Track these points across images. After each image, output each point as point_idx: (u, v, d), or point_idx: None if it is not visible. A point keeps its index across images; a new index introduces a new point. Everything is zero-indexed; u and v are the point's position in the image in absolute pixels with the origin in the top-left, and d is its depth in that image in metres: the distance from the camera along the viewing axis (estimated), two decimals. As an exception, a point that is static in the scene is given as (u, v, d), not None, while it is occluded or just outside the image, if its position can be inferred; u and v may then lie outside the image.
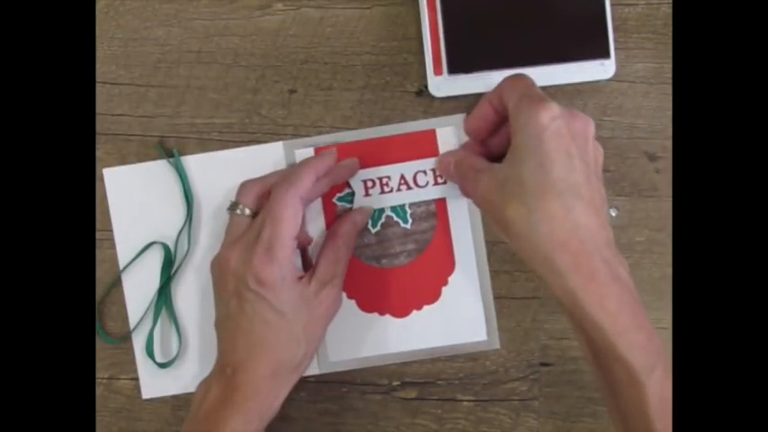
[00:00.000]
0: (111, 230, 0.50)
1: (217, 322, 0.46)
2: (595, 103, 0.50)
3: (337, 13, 0.50)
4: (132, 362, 0.50)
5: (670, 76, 0.50)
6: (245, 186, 0.47)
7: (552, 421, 0.50)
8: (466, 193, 0.47)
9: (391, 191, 0.49)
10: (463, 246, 0.50)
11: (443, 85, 0.49)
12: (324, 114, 0.50)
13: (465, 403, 0.50)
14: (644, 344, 0.39)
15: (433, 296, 0.50)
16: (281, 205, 0.44)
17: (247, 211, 0.46)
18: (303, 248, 0.49)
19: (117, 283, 0.50)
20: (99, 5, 0.50)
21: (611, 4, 0.49)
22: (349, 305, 0.50)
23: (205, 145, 0.50)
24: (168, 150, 0.50)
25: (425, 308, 0.50)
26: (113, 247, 0.50)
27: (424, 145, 0.49)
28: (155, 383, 0.50)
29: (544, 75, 0.48)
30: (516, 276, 0.50)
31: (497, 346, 0.50)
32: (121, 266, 0.50)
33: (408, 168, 0.49)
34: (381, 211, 0.50)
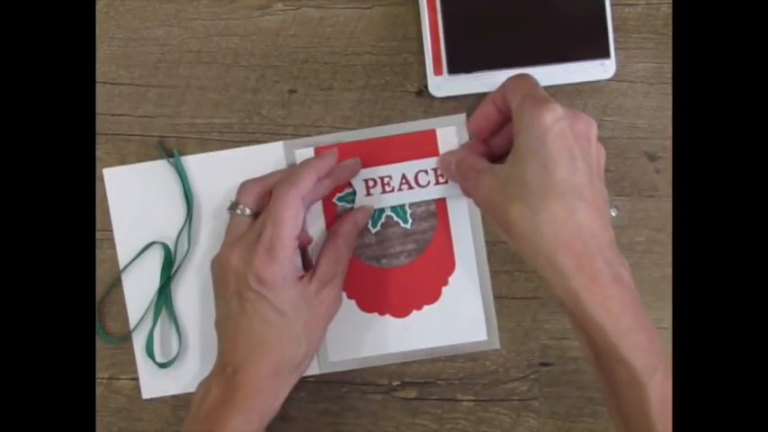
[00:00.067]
0: (111, 230, 0.50)
1: (217, 322, 0.46)
2: (595, 103, 0.50)
3: (337, 13, 0.50)
4: (132, 362, 0.50)
5: (670, 76, 0.50)
6: (245, 186, 0.47)
7: (552, 421, 0.50)
8: (467, 193, 0.47)
9: (393, 190, 0.49)
10: (463, 246, 0.50)
11: (443, 85, 0.49)
12: (324, 114, 0.50)
13: (465, 403, 0.50)
14: (645, 345, 0.39)
15: (433, 296, 0.50)
16: (282, 205, 0.44)
17: (248, 211, 0.46)
18: (303, 248, 0.49)
19: (117, 283, 0.50)
20: (99, 5, 0.50)
21: (611, 4, 0.49)
22: (349, 305, 0.50)
23: (205, 145, 0.50)
24: (168, 150, 0.50)
25: (425, 308, 0.50)
26: (113, 247, 0.50)
27: (424, 145, 0.49)
28: (155, 383, 0.50)
29: (544, 75, 0.48)
30: (516, 276, 0.50)
31: (497, 346, 0.50)
32: (121, 266, 0.50)
33: (410, 168, 0.49)
34: (381, 210, 0.50)
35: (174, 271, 0.50)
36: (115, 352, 0.50)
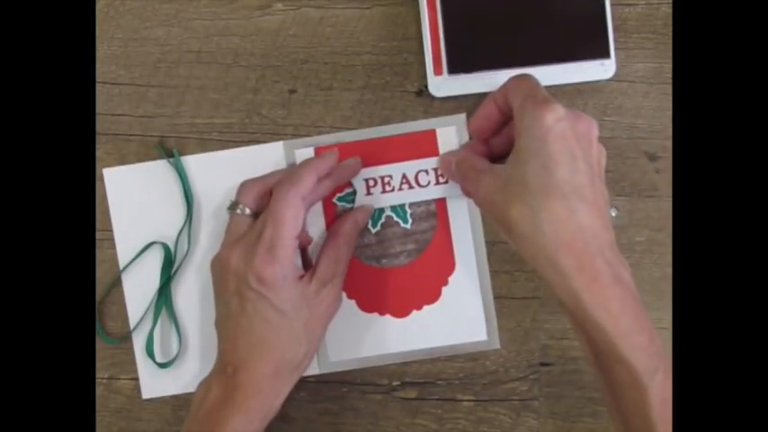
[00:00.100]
0: (111, 230, 0.50)
1: (217, 321, 0.46)
2: (595, 103, 0.50)
3: (337, 13, 0.50)
4: (132, 362, 0.50)
5: (670, 76, 0.50)
6: (245, 186, 0.47)
7: (552, 421, 0.50)
8: (467, 194, 0.47)
9: (393, 190, 0.49)
10: (463, 246, 0.50)
11: (443, 85, 0.49)
12: (324, 114, 0.50)
13: (465, 403, 0.50)
14: (646, 346, 0.39)
15: (433, 296, 0.50)
16: (282, 205, 0.44)
17: (247, 211, 0.46)
18: (303, 248, 0.49)
19: (117, 283, 0.50)
20: (99, 5, 0.50)
21: (611, 4, 0.49)
22: (349, 305, 0.50)
23: (205, 145, 0.50)
24: (168, 150, 0.50)
25: (425, 308, 0.50)
26: (113, 247, 0.50)
27: (424, 145, 0.49)
28: (155, 383, 0.50)
29: (544, 75, 0.48)
30: (516, 276, 0.50)
31: (497, 346, 0.50)
32: (121, 266, 0.50)
33: (410, 167, 0.49)
34: (381, 210, 0.50)
35: (174, 271, 0.50)
36: (115, 352, 0.50)
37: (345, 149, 0.49)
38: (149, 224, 0.50)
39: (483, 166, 0.44)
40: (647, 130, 0.50)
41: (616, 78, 0.49)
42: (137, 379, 0.50)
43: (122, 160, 0.50)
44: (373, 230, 0.50)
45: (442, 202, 0.50)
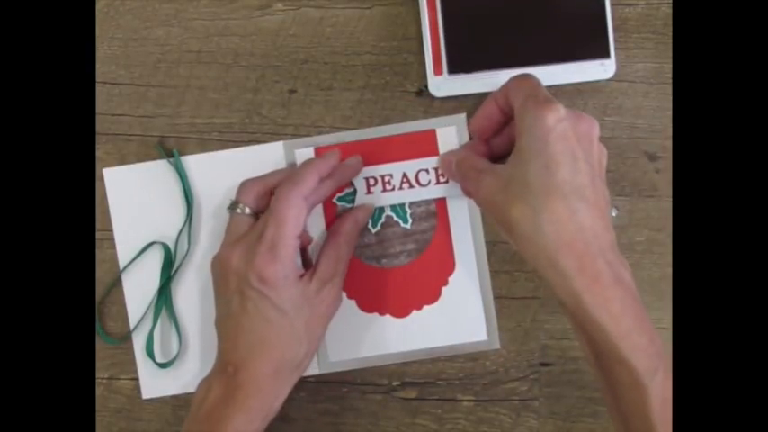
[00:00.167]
0: (111, 230, 0.50)
1: (217, 321, 0.46)
2: (595, 103, 0.50)
3: (337, 13, 0.50)
4: (132, 362, 0.50)
5: (670, 76, 0.50)
6: (245, 185, 0.47)
7: (552, 421, 0.50)
8: (467, 193, 0.47)
9: (393, 189, 0.49)
10: (463, 246, 0.50)
11: (443, 85, 0.49)
12: (324, 114, 0.50)
13: (465, 403, 0.50)
14: (646, 346, 0.39)
15: (433, 296, 0.50)
16: (285, 205, 0.44)
17: (247, 210, 0.46)
18: (304, 248, 0.49)
19: (117, 283, 0.50)
20: (99, 5, 0.50)
21: (611, 4, 0.49)
22: (349, 305, 0.50)
23: (205, 145, 0.50)
24: (168, 150, 0.50)
25: (425, 308, 0.50)
26: (113, 247, 0.50)
27: (424, 145, 0.49)
28: (155, 383, 0.50)
29: (544, 75, 0.48)
30: (516, 276, 0.50)
31: (497, 346, 0.50)
32: (121, 266, 0.50)
33: (411, 167, 0.49)
34: (381, 210, 0.50)
35: (174, 271, 0.50)
36: (115, 352, 0.50)
37: (345, 149, 0.49)
38: (149, 224, 0.50)
39: (484, 166, 0.44)
40: (647, 130, 0.50)
41: (616, 78, 0.49)
42: (137, 379, 0.50)
43: (122, 160, 0.50)
44: (373, 230, 0.50)
45: (442, 202, 0.50)
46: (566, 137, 0.39)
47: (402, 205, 0.50)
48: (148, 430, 0.50)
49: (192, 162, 0.50)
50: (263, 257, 0.43)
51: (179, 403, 0.50)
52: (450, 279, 0.50)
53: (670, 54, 0.50)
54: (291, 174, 0.46)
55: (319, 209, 0.49)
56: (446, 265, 0.50)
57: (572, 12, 0.49)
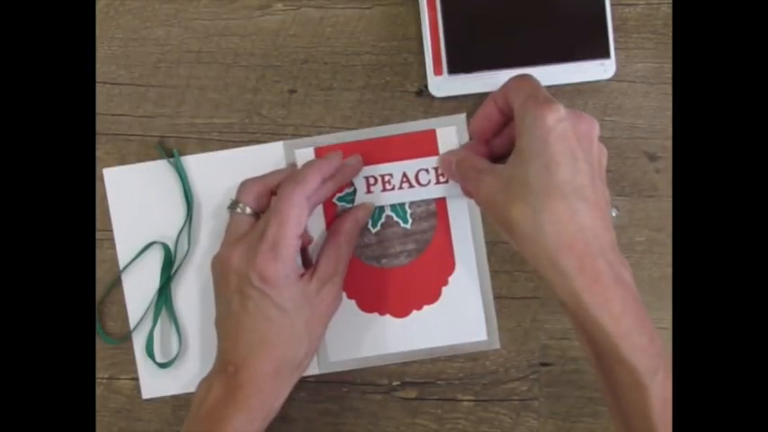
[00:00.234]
0: (111, 230, 0.50)
1: (217, 320, 0.46)
2: (595, 103, 0.50)
3: (337, 13, 0.50)
4: (132, 362, 0.50)
5: (670, 76, 0.50)
6: (245, 185, 0.47)
7: (552, 421, 0.50)
8: (467, 193, 0.47)
9: (393, 188, 0.49)
10: (463, 246, 0.50)
11: (443, 85, 0.49)
12: (324, 114, 0.50)
13: (465, 403, 0.50)
14: (646, 346, 0.39)
15: (433, 296, 0.50)
16: (287, 204, 0.44)
17: (248, 210, 0.46)
18: (304, 248, 0.49)
19: (117, 283, 0.50)
20: (99, 5, 0.50)
21: (611, 4, 0.49)
22: (349, 305, 0.50)
23: (205, 145, 0.50)
24: (168, 150, 0.50)
25: (425, 308, 0.50)
26: (113, 247, 0.50)
27: (424, 145, 0.49)
28: (155, 383, 0.50)
29: (544, 75, 0.48)
30: (516, 276, 0.50)
31: (497, 346, 0.50)
32: (121, 266, 0.50)
33: (411, 166, 0.49)
34: (381, 210, 0.50)
35: (174, 271, 0.50)
36: (115, 352, 0.50)
37: (345, 149, 0.49)
38: (149, 224, 0.50)
39: (484, 166, 0.44)
40: (647, 130, 0.50)
41: (616, 78, 0.49)
42: (137, 379, 0.50)
43: (122, 160, 0.50)
44: (373, 230, 0.50)
45: (442, 202, 0.50)
46: (566, 137, 0.39)
47: (402, 205, 0.50)
48: (148, 430, 0.50)
49: (192, 162, 0.50)
50: (265, 256, 0.43)
51: (179, 403, 0.50)
52: (451, 279, 0.50)
53: (670, 54, 0.50)
54: (294, 173, 0.46)
55: (319, 209, 0.49)
56: (446, 265, 0.50)
57: (572, 12, 0.49)
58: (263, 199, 0.47)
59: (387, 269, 0.50)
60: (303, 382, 0.49)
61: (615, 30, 0.49)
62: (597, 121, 0.42)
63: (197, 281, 0.50)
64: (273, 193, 0.46)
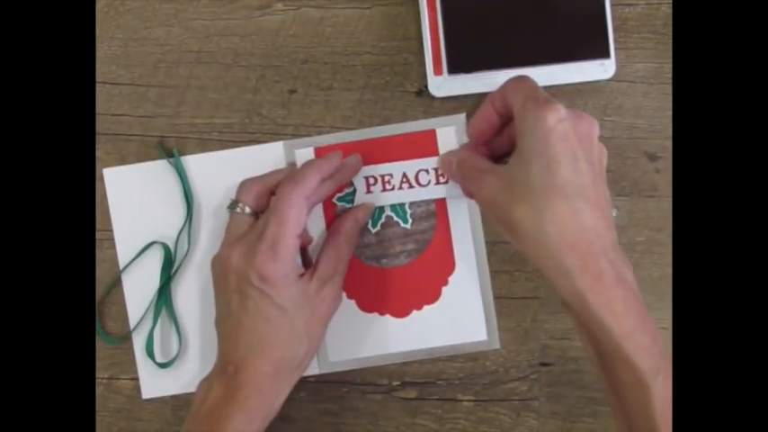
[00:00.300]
0: (111, 230, 0.50)
1: (217, 321, 0.46)
2: (595, 103, 0.50)
3: (337, 13, 0.50)
4: (132, 362, 0.50)
5: (670, 76, 0.50)
6: (244, 185, 0.47)
7: (552, 421, 0.50)
8: (468, 194, 0.47)
9: (393, 189, 0.49)
10: (463, 246, 0.50)
11: (443, 85, 0.49)
12: (324, 114, 0.50)
13: (465, 403, 0.50)
14: (649, 346, 0.39)
15: (433, 296, 0.50)
16: (286, 204, 0.44)
17: (247, 210, 0.46)
18: (303, 248, 0.49)
19: (117, 283, 0.50)
20: (99, 5, 0.50)
21: (611, 4, 0.49)
22: (349, 305, 0.50)
23: (205, 145, 0.50)
24: (168, 150, 0.50)
25: (425, 308, 0.50)
26: (113, 247, 0.50)
27: (424, 145, 0.49)
28: (155, 383, 0.50)
29: (544, 75, 0.48)
30: (516, 276, 0.50)
31: (497, 346, 0.50)
32: (121, 266, 0.50)
33: (410, 167, 0.49)
34: (381, 210, 0.50)
35: (174, 271, 0.50)
36: (115, 352, 0.50)
37: (345, 149, 0.49)
38: (149, 224, 0.50)
39: (485, 167, 0.44)
40: (647, 130, 0.50)
41: (616, 78, 0.49)
42: (137, 379, 0.50)
43: (122, 160, 0.50)
44: (373, 230, 0.50)
45: (442, 202, 0.50)
46: (566, 137, 0.39)
47: (402, 205, 0.50)
48: (148, 430, 0.51)
49: (192, 162, 0.50)
50: (264, 256, 0.43)
51: (179, 403, 0.50)
52: (451, 279, 0.50)
53: (670, 54, 0.50)
54: (293, 173, 0.46)
55: (319, 209, 0.49)
56: (446, 265, 0.50)
57: (572, 12, 0.49)
58: (262, 199, 0.47)
59: (387, 269, 0.50)
60: (303, 382, 0.49)
61: (615, 30, 0.49)
62: (597, 121, 0.42)
63: (197, 281, 0.50)
64: (273, 192, 0.46)
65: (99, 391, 0.50)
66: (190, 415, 0.44)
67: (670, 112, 0.50)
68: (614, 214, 0.49)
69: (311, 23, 0.50)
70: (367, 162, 0.49)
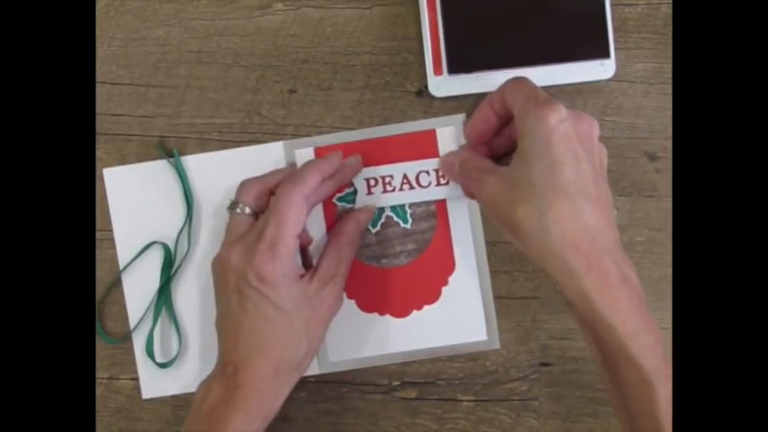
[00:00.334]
0: (111, 230, 0.50)
1: (217, 321, 0.46)
2: (595, 103, 0.50)
3: (337, 13, 0.50)
4: (132, 362, 0.50)
5: (670, 76, 0.50)
6: (244, 185, 0.47)
7: (552, 421, 0.50)
8: (470, 194, 0.47)
9: (394, 190, 0.49)
10: (463, 246, 0.50)
11: (443, 85, 0.49)
12: (324, 114, 0.50)
13: (465, 403, 0.50)
14: (653, 346, 0.39)
15: (433, 296, 0.50)
16: (285, 204, 0.44)
17: (247, 210, 0.46)
18: (304, 248, 0.49)
19: (117, 283, 0.50)
20: (99, 5, 0.50)
21: (611, 4, 0.49)
22: (349, 305, 0.50)
23: (205, 145, 0.50)
24: (168, 150, 0.50)
25: (425, 308, 0.50)
26: (113, 247, 0.50)
27: (424, 145, 0.49)
28: (155, 383, 0.50)
29: (544, 75, 0.48)
30: (516, 276, 0.50)
31: (497, 346, 0.50)
32: (121, 266, 0.50)
33: (411, 168, 0.49)
34: (381, 210, 0.50)
35: (174, 271, 0.50)
36: (115, 352, 0.50)
37: (345, 149, 0.49)
38: (149, 224, 0.50)
39: (487, 167, 0.44)
40: (647, 130, 0.50)
41: (616, 78, 0.49)
42: (137, 379, 0.50)
43: (122, 160, 0.50)
44: (373, 230, 0.50)
45: (442, 202, 0.50)
46: (568, 137, 0.39)
47: (402, 205, 0.50)
48: (148, 430, 0.50)
49: (192, 162, 0.50)
50: (263, 256, 0.43)
51: (179, 403, 0.50)
52: (451, 279, 0.50)
53: (670, 54, 0.50)
54: (293, 173, 0.46)
55: (319, 208, 0.49)
56: (446, 265, 0.50)
57: (572, 12, 0.49)
58: (262, 199, 0.47)
59: (387, 269, 0.50)
60: (303, 382, 0.49)
61: (615, 30, 0.49)
62: (597, 121, 0.42)
63: (197, 281, 0.50)
64: (273, 192, 0.46)
65: (99, 391, 0.50)
66: (189, 415, 0.44)
67: (670, 112, 0.50)
68: (614, 214, 0.49)
69: (311, 23, 0.50)
70: (367, 162, 0.49)
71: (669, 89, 0.50)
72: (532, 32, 0.49)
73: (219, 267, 0.45)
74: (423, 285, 0.50)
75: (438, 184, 0.49)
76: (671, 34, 0.50)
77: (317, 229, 0.49)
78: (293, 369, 0.45)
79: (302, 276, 0.45)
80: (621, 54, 0.50)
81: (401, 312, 0.50)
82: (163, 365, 0.49)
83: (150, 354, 0.49)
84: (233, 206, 0.46)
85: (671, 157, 0.50)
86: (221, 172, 0.50)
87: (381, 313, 0.50)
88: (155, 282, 0.50)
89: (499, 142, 0.47)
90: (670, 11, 0.50)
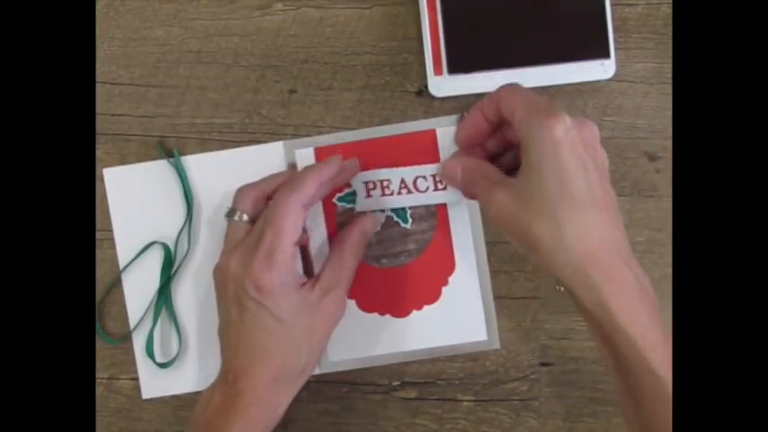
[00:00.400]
0: (111, 230, 0.50)
1: (220, 330, 0.46)
2: (595, 103, 0.50)
3: (337, 13, 0.50)
4: (132, 362, 0.50)
5: (670, 76, 0.50)
6: (241, 192, 0.47)
7: (552, 421, 0.50)
8: (469, 195, 0.46)
9: (392, 194, 0.49)
10: (463, 246, 0.50)
11: (443, 85, 0.49)
12: (324, 114, 0.50)
13: (465, 403, 0.50)
14: (669, 357, 0.38)
15: (433, 296, 0.50)
16: (282, 212, 0.43)
17: (245, 217, 0.46)
18: (304, 253, 0.48)
19: (117, 283, 0.50)
20: (99, 5, 0.50)
21: (611, 4, 0.49)
22: (349, 305, 0.50)
23: (205, 145, 0.50)
24: (168, 150, 0.50)
25: (425, 308, 0.50)
26: (113, 247, 0.50)
27: (424, 145, 0.49)
28: (155, 383, 0.50)
29: (544, 75, 0.48)
30: (516, 276, 0.50)
31: (497, 346, 0.50)
32: (121, 266, 0.50)
33: (408, 173, 0.49)
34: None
35: (174, 271, 0.50)
36: (115, 352, 0.50)
37: (345, 149, 0.49)
38: (149, 224, 0.50)
39: (495, 177, 0.43)
40: (647, 130, 0.50)
41: (616, 78, 0.49)
42: (137, 379, 0.50)
43: (122, 160, 0.50)
44: (373, 230, 0.50)
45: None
46: (574, 146, 0.39)
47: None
48: (148, 430, 0.51)
49: (192, 162, 0.50)
50: (260, 265, 0.43)
51: (179, 403, 0.50)
52: (451, 279, 0.50)
53: (670, 54, 0.50)
54: (291, 179, 0.45)
55: (319, 208, 0.49)
56: (446, 265, 0.50)
57: (572, 12, 0.49)
58: (260, 205, 0.46)
59: (387, 269, 0.50)
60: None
61: (615, 30, 0.49)
62: (596, 121, 0.42)
63: (197, 281, 0.50)
64: (270, 197, 0.46)
65: (99, 391, 0.50)
66: (191, 424, 0.44)
67: (670, 112, 0.50)
68: (622, 219, 0.49)
69: (311, 23, 0.50)
70: (367, 162, 0.49)
71: (669, 89, 0.50)
72: (532, 32, 0.49)
73: (219, 276, 0.45)
74: (423, 285, 0.50)
75: (435, 188, 0.49)
76: (671, 34, 0.50)
77: (317, 229, 0.49)
78: (294, 377, 0.44)
79: (303, 284, 0.45)
80: (621, 54, 0.50)
81: (401, 312, 0.50)
82: (163, 365, 0.49)
83: (150, 354, 0.49)
84: (231, 214, 0.46)
85: (671, 157, 0.50)
86: (221, 172, 0.50)
87: (381, 313, 0.50)
88: (155, 282, 0.50)
89: (493, 143, 0.46)
90: (670, 11, 0.50)
